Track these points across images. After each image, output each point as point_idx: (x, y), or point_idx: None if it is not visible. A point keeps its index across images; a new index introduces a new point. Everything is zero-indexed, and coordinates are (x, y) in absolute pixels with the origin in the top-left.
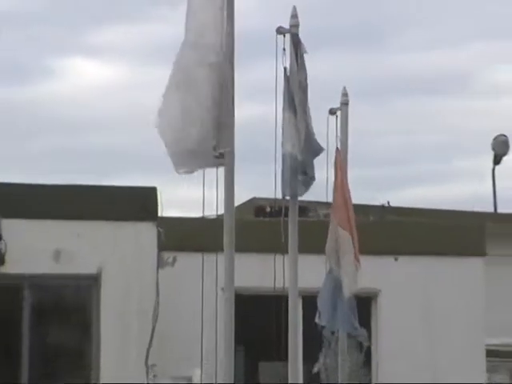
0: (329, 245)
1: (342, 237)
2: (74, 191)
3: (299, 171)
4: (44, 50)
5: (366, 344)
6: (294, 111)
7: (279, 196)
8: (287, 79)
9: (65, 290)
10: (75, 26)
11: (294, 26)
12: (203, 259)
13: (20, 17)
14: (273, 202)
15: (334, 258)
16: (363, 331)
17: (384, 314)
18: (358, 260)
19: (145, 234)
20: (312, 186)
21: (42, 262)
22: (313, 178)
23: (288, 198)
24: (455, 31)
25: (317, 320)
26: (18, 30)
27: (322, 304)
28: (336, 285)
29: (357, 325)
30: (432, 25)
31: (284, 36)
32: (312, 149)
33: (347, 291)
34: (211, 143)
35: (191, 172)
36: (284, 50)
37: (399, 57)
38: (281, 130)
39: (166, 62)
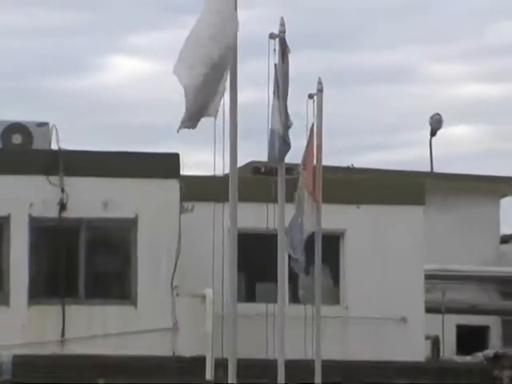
0: (297, 195)
1: (315, 187)
2: (119, 156)
3: (281, 142)
4: (96, 50)
5: (299, 273)
6: (278, 97)
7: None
8: (276, 73)
9: (110, 229)
10: (119, 32)
11: (282, 32)
12: (214, 207)
13: (78, 25)
14: (266, 164)
15: (300, 206)
16: (301, 263)
17: (349, 248)
18: (315, 207)
19: (170, 188)
20: (294, 152)
21: (94, 209)
22: (289, 146)
23: (274, 161)
24: (403, 36)
25: (291, 253)
26: (78, 36)
27: (293, 240)
28: (299, 225)
29: (299, 257)
30: (387, 31)
31: (274, 40)
32: (287, 124)
33: (306, 230)
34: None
35: (193, 127)
36: (274, 50)
37: (363, 55)
38: (270, 112)
39: None
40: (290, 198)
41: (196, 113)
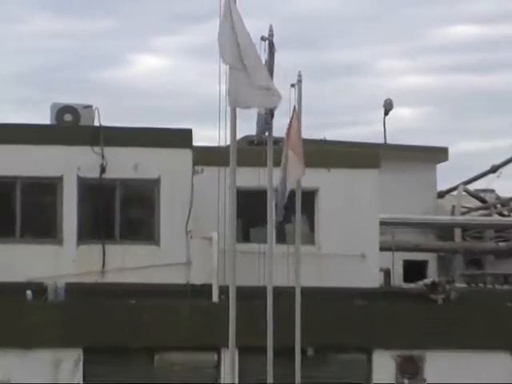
0: (282, 162)
1: (290, 156)
2: (145, 130)
3: (264, 122)
4: (127, 50)
5: (279, 220)
6: (269, 73)
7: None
8: (269, 63)
9: (139, 187)
10: (144, 36)
11: (270, 35)
12: (218, 170)
13: (114, 31)
14: (258, 137)
15: (283, 170)
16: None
17: (321, 201)
18: (300, 169)
19: (184, 155)
20: (281, 128)
21: (127, 171)
22: (270, 125)
23: (263, 135)
24: (362, 39)
25: (278, 206)
26: (113, 39)
27: (278, 202)
28: (283, 186)
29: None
30: (350, 35)
31: (264, 41)
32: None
33: (288, 187)
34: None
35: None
36: (265, 50)
37: (332, 53)
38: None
39: (198, 58)
40: (276, 163)
41: None
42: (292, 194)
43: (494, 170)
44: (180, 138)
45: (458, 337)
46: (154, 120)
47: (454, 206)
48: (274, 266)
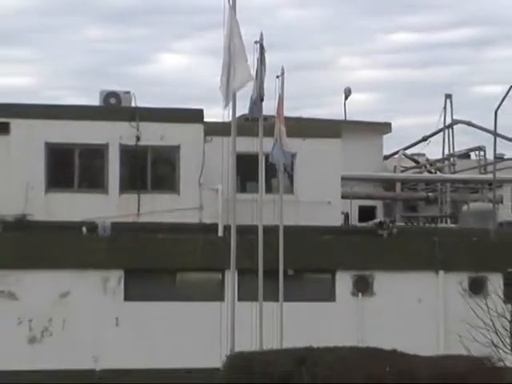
0: (275, 130)
1: (281, 128)
2: (169, 110)
3: (254, 105)
4: (154, 51)
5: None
6: (257, 78)
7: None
8: (257, 64)
9: (165, 152)
10: (166, 40)
11: (261, 40)
12: (223, 139)
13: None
14: (250, 115)
15: (277, 136)
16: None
17: (299, 162)
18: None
19: (198, 128)
20: (270, 109)
21: (156, 139)
22: (259, 107)
23: (255, 114)
24: (325, 43)
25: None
26: (143, 42)
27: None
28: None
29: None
30: (316, 39)
31: (257, 44)
32: (261, 94)
33: (284, 149)
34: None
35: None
36: (257, 50)
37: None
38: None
39: (207, 57)
40: (265, 134)
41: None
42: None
43: (424, 139)
44: (194, 116)
45: (398, 261)
46: (174, 102)
47: (395, 166)
48: (263, 210)
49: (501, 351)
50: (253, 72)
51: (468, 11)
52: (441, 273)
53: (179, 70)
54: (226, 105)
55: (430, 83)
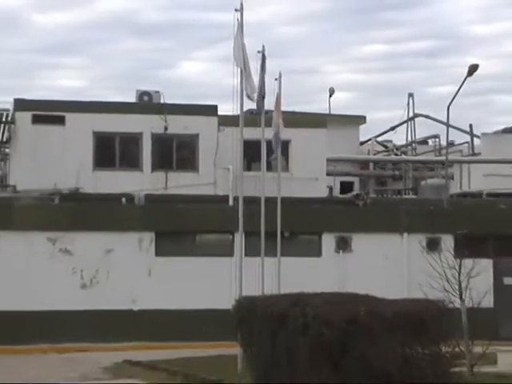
0: (273, 122)
1: (279, 120)
2: (191, 106)
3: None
4: (177, 59)
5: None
6: (260, 81)
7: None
8: (262, 66)
9: (187, 139)
10: (186, 51)
11: (263, 50)
12: (233, 129)
13: (168, 48)
14: (254, 110)
15: (275, 126)
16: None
17: (293, 148)
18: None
19: (212, 120)
20: (269, 104)
21: (180, 129)
22: (260, 105)
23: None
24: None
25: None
26: (168, 52)
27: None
28: (277, 137)
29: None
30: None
31: (260, 53)
32: (262, 94)
33: (278, 138)
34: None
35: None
36: (260, 59)
37: (295, 61)
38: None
39: (220, 64)
40: (266, 125)
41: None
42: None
43: (392, 129)
44: (210, 110)
45: (371, 225)
46: (194, 99)
47: (368, 150)
48: (265, 184)
49: (451, 295)
50: (256, 77)
51: (425, 28)
52: (405, 234)
53: (197, 74)
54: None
55: (396, 84)
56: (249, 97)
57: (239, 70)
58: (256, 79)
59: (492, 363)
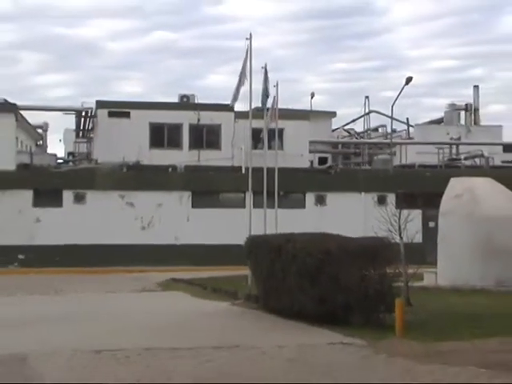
0: (272, 116)
1: (276, 114)
2: (216, 105)
3: (264, 100)
4: (204, 73)
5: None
6: (265, 82)
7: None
8: (264, 78)
9: (213, 128)
10: (213, 66)
11: (265, 66)
12: (244, 122)
13: (201, 64)
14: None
15: (272, 118)
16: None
17: (286, 134)
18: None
19: (230, 114)
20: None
21: (207, 120)
22: (264, 105)
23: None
24: (298, 67)
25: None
26: (200, 68)
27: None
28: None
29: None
30: (292, 65)
31: (263, 68)
32: (266, 95)
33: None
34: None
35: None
36: (263, 73)
37: (285, 73)
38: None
39: (235, 75)
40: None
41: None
42: (274, 130)
43: (353, 121)
44: (228, 108)
45: (339, 187)
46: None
47: (338, 135)
48: (266, 158)
49: (393, 234)
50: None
51: (375, 52)
52: (362, 193)
53: (220, 82)
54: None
55: (356, 90)
56: (234, 99)
57: (249, 80)
58: (260, 86)
59: (420, 280)
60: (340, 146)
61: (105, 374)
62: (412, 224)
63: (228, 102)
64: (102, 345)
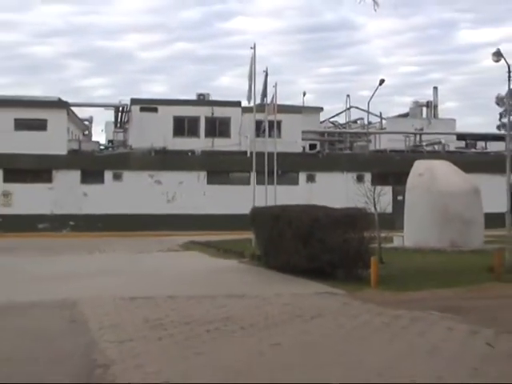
0: (271, 111)
1: (273, 109)
2: (227, 102)
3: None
4: (217, 76)
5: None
6: (265, 83)
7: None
8: (265, 80)
9: (224, 120)
10: (224, 70)
11: (266, 70)
12: (249, 116)
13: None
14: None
15: (269, 113)
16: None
17: (283, 125)
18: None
19: (238, 109)
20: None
21: (220, 114)
22: (262, 101)
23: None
24: (291, 73)
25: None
26: (215, 72)
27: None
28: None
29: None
30: (284, 72)
31: (264, 72)
32: (265, 94)
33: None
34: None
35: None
36: (264, 76)
37: (280, 76)
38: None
39: (244, 79)
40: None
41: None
42: (273, 122)
43: (337, 114)
44: (236, 104)
45: (326, 167)
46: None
47: (324, 126)
48: (267, 144)
49: (369, 206)
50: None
51: (354, 59)
52: (345, 172)
53: (229, 83)
54: (250, 99)
55: (339, 90)
56: (248, 98)
57: (252, 82)
58: (261, 87)
59: (390, 242)
60: (326, 134)
61: (137, 315)
62: (384, 197)
63: (236, 99)
64: (135, 293)
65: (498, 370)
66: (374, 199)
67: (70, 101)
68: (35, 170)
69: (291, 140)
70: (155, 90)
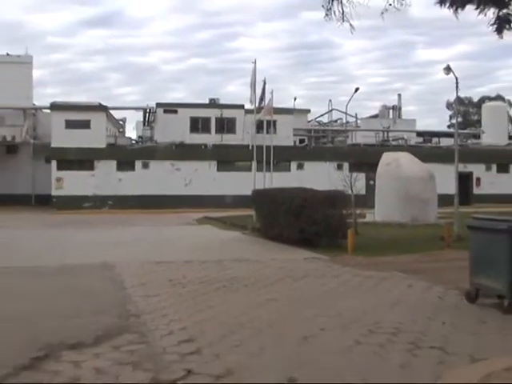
0: (268, 112)
1: (270, 111)
2: (233, 105)
3: (263, 101)
4: (225, 85)
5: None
6: (262, 91)
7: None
8: (263, 87)
9: (231, 119)
10: (231, 79)
11: (264, 79)
12: (251, 116)
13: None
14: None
15: (266, 113)
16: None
17: (278, 124)
18: (268, 114)
19: (242, 111)
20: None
21: (228, 114)
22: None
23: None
24: (283, 80)
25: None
26: (222, 83)
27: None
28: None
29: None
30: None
31: (263, 81)
32: (262, 98)
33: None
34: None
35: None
36: (263, 84)
37: (275, 84)
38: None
39: (248, 87)
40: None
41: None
42: (270, 121)
43: (321, 115)
44: (240, 106)
45: (313, 157)
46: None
47: (311, 125)
48: (265, 139)
49: (347, 188)
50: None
51: (335, 71)
52: (328, 162)
53: (234, 91)
54: (252, 103)
55: (322, 96)
56: (251, 102)
57: (253, 90)
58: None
59: (363, 217)
60: (313, 131)
61: (161, 276)
62: (359, 182)
63: (240, 103)
64: (159, 258)
65: (447, 317)
66: (350, 183)
67: (108, 105)
68: (81, 160)
69: (284, 136)
70: (175, 95)
